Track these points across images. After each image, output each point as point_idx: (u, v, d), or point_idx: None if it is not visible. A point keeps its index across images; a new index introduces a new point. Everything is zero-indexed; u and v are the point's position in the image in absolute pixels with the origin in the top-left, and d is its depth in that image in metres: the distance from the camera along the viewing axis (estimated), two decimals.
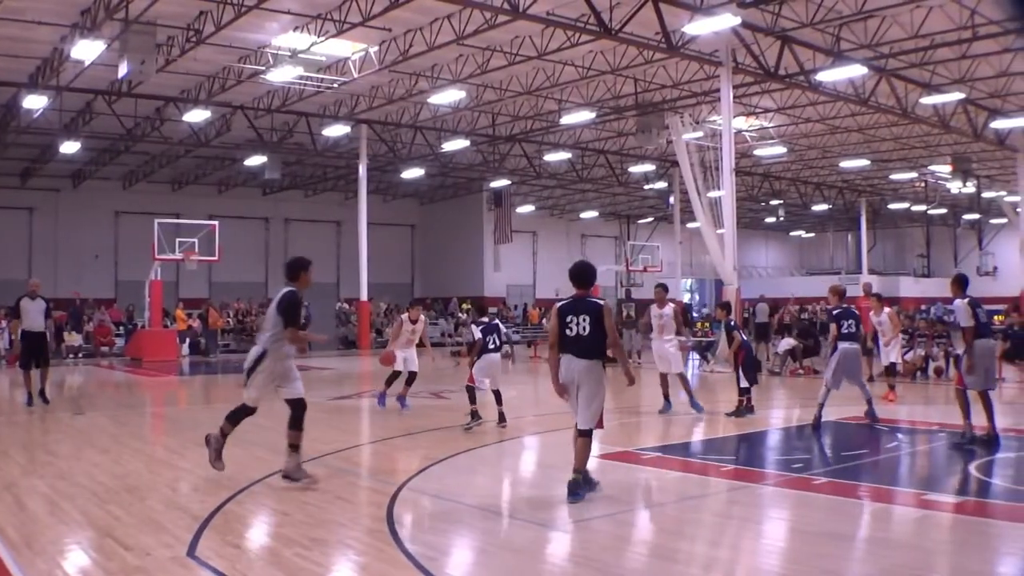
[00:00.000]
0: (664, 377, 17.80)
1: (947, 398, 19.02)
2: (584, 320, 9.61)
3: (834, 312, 15.32)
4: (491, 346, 15.58)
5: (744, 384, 16.77)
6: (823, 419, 14.61)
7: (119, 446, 13.64)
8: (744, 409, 16.50)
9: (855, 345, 15.12)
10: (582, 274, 10.07)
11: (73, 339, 37.13)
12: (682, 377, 17.85)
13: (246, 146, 40.12)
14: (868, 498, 10.00)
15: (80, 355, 36.73)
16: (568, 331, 9.66)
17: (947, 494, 10.11)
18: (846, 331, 14.86)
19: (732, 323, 18.46)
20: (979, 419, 12.70)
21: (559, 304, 9.85)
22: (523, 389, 25.28)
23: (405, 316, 18.64)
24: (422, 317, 18.85)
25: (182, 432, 15.33)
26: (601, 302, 9.89)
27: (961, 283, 13.24)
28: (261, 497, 9.88)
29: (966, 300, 12.71)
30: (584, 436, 9.74)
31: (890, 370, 19.27)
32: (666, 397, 17.53)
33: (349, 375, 30.22)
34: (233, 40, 27.61)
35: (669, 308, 18.16)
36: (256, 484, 10.40)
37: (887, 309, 19.95)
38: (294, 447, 10.45)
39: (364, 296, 41.76)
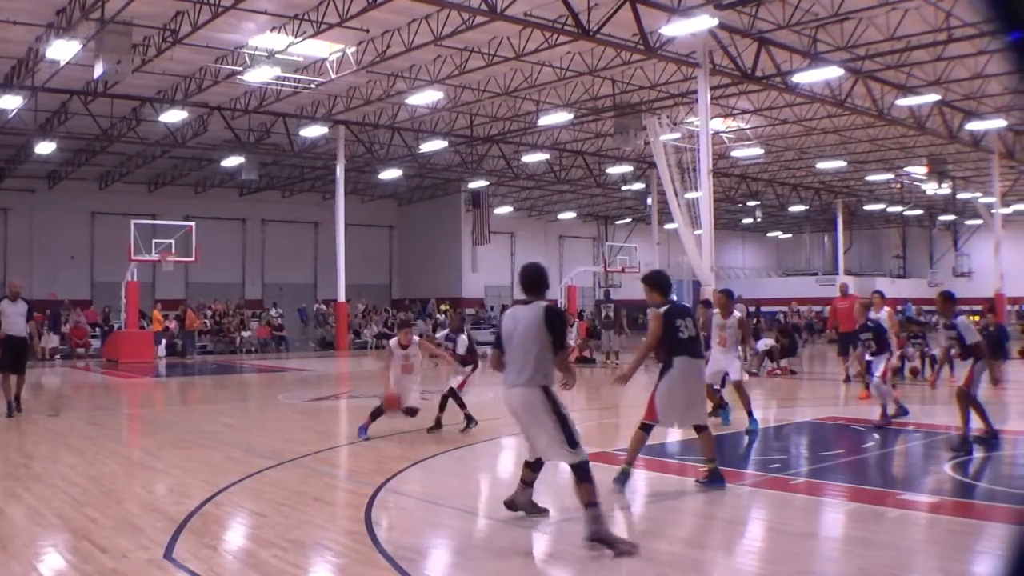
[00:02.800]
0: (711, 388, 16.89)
1: (923, 398, 19.15)
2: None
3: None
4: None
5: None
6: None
7: (95, 448, 13.56)
8: (721, 409, 16.38)
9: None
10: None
11: (51, 340, 36.93)
12: (739, 387, 15.48)
13: (223, 147, 40.05)
14: (845, 498, 10.03)
15: (57, 357, 36.55)
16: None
17: (924, 493, 10.15)
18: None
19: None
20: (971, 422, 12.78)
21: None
22: (501, 390, 25.23)
23: (394, 342, 15.21)
24: (414, 339, 15.41)
25: (158, 434, 15.27)
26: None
27: (953, 300, 13.29)
28: (238, 499, 9.84)
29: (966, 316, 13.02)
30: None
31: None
32: (722, 406, 15.77)
33: (327, 376, 30.14)
34: (210, 40, 27.56)
35: (735, 317, 15.76)
36: (233, 486, 10.35)
37: (886, 308, 19.95)
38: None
39: (342, 297, 41.65)
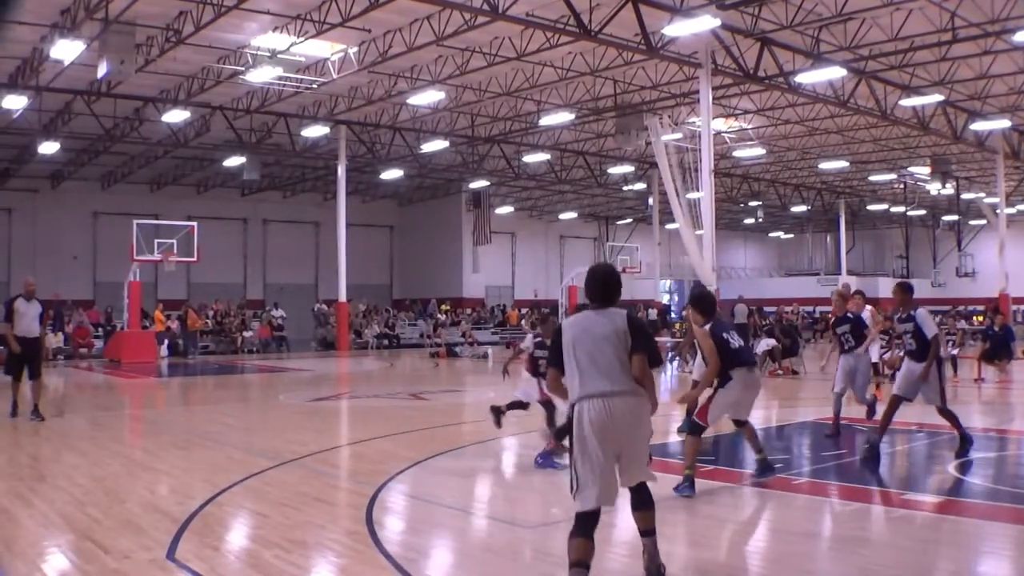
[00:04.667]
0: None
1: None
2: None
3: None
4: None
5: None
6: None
7: (98, 449, 13.59)
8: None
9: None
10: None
11: (57, 340, 36.93)
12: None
13: (225, 147, 40.05)
14: (847, 498, 10.04)
15: (59, 357, 36.58)
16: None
17: (925, 493, 10.15)
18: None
19: None
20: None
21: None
22: (501, 390, 25.27)
23: (531, 339, 13.53)
24: None
25: (160, 434, 15.28)
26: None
27: (912, 291, 12.46)
28: (240, 499, 9.85)
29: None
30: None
31: (874, 369, 19.19)
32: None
33: (327, 376, 30.15)
34: (212, 40, 27.56)
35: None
36: (235, 486, 10.36)
37: (869, 307, 19.82)
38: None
39: (343, 297, 41.65)
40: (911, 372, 11.82)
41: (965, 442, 11.76)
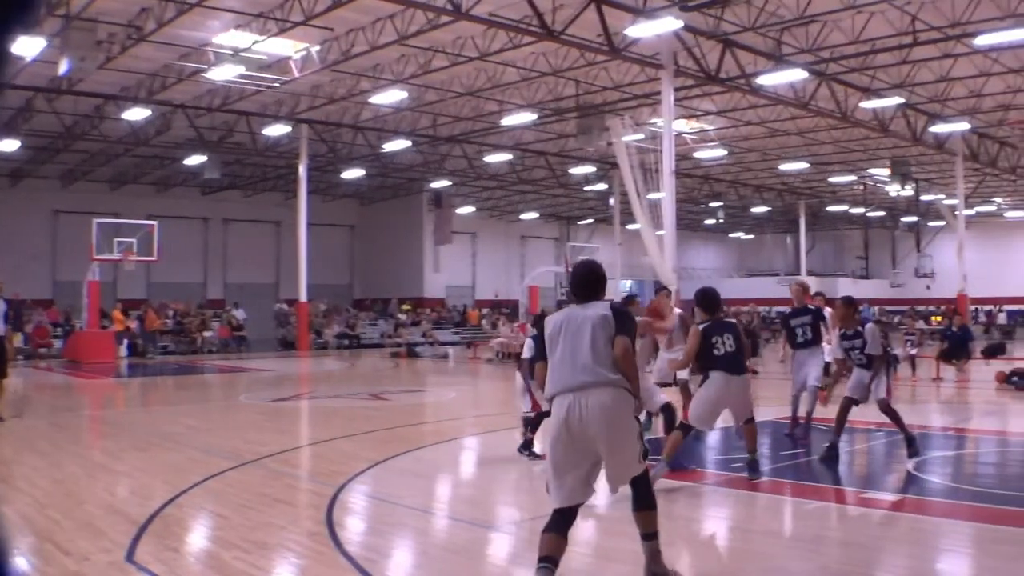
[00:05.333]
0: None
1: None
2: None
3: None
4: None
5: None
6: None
7: (58, 450, 13.48)
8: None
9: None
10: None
11: (16, 340, 36.57)
12: (686, 388, 14.23)
13: (186, 145, 39.80)
14: (808, 496, 10.11)
15: (19, 357, 36.26)
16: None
17: (884, 492, 10.23)
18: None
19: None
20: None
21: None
22: (462, 390, 25.30)
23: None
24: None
25: (120, 436, 15.20)
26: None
27: (857, 306, 12.49)
28: (200, 500, 9.81)
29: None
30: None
31: (825, 369, 19.21)
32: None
33: (288, 377, 30.06)
34: (174, 38, 27.38)
35: (676, 315, 14.50)
36: (195, 487, 10.31)
37: (828, 309, 19.87)
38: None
39: (303, 297, 41.51)
40: (863, 377, 11.87)
41: (912, 443, 11.78)
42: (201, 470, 11.29)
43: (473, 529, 8.72)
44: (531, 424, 12.27)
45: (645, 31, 24.88)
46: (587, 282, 7.03)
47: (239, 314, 45.11)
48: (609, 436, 6.39)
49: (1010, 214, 65.07)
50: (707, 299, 10.67)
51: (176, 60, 30.01)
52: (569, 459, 6.43)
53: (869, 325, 11.85)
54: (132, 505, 9.46)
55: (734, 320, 10.84)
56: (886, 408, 11.73)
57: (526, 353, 12.34)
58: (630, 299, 13.66)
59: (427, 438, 14.61)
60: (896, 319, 53.42)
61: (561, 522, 6.43)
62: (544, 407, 11.64)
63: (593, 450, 6.44)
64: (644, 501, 6.78)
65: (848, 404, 11.90)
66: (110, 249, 36.37)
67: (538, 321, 13.13)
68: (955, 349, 25.16)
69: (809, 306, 14.27)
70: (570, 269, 7.10)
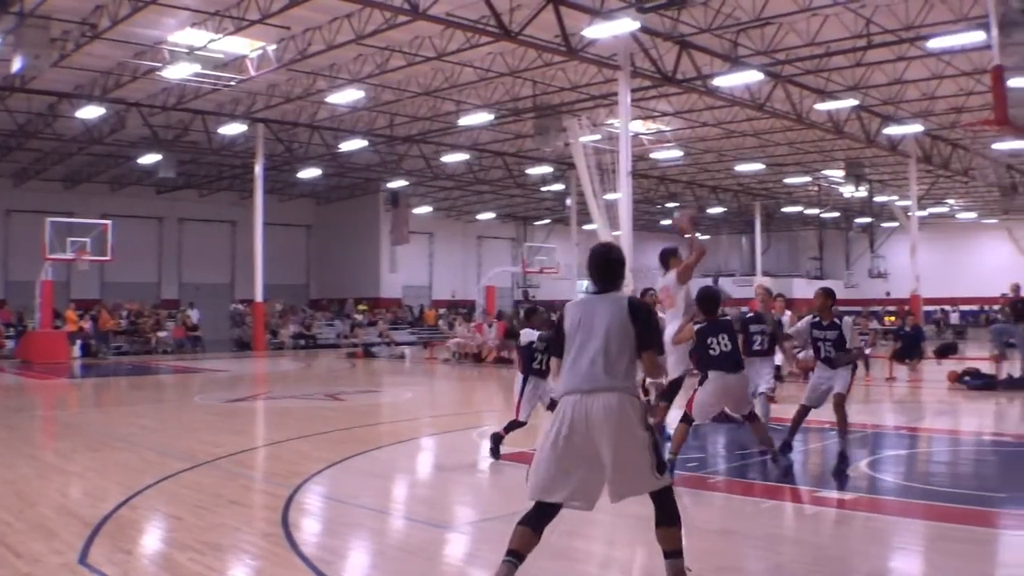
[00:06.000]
0: None
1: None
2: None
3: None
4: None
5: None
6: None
7: (9, 451, 13.32)
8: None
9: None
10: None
11: None
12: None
13: (141, 144, 39.47)
14: (763, 495, 10.15)
15: None
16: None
17: (838, 491, 10.28)
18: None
19: None
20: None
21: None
22: (419, 391, 25.25)
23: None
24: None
25: (73, 436, 15.05)
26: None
27: (834, 297, 11.99)
28: (154, 502, 9.73)
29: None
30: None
31: (776, 372, 19.21)
32: None
33: (243, 377, 29.90)
34: (129, 36, 27.14)
35: None
36: (149, 489, 10.23)
37: (788, 312, 19.84)
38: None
39: (259, 297, 41.33)
40: (821, 380, 11.67)
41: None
42: (155, 471, 11.20)
43: (429, 529, 8.70)
44: (509, 426, 12.09)
45: (602, 32, 24.96)
46: (603, 269, 6.73)
47: (194, 314, 44.80)
48: (613, 441, 6.16)
49: (962, 215, 65.71)
50: (707, 300, 10.79)
51: (131, 58, 29.77)
52: (566, 457, 6.24)
53: (846, 318, 11.65)
54: (85, 506, 9.38)
55: (730, 319, 10.92)
56: (841, 403, 11.53)
57: (524, 340, 12.14)
58: (646, 292, 13.73)
59: (383, 438, 14.56)
60: (851, 319, 53.72)
61: (537, 518, 6.30)
62: (523, 417, 11.91)
63: (594, 455, 6.21)
64: (666, 517, 6.44)
65: (804, 412, 11.81)
66: (63, 249, 36.04)
67: (533, 314, 12.76)
68: (908, 349, 25.40)
69: (764, 316, 14.00)
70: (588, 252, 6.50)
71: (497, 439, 12.12)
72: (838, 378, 11.36)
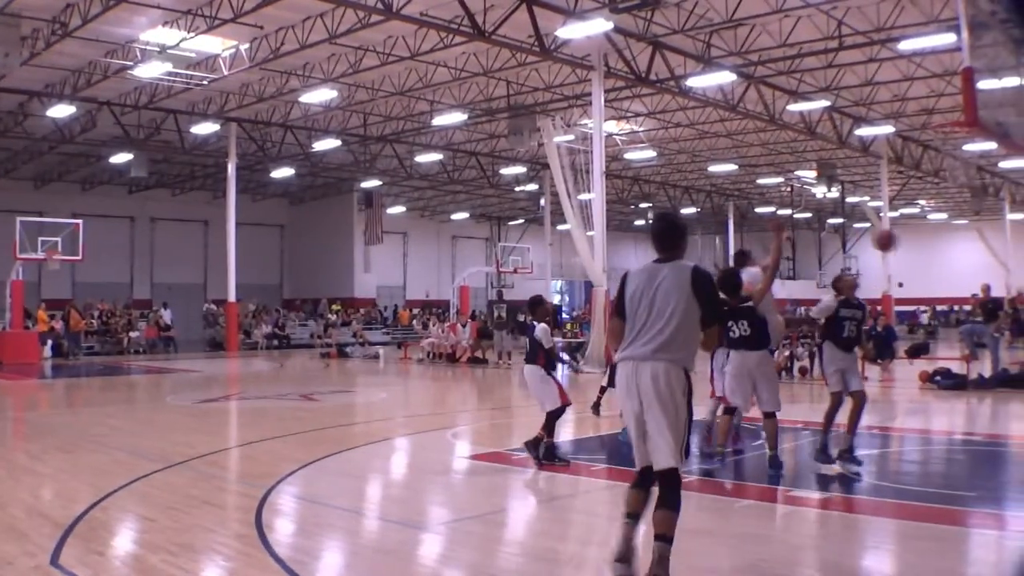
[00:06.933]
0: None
1: (811, 397, 19.50)
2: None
3: None
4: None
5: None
6: None
7: None
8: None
9: None
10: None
11: None
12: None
13: (112, 143, 39.30)
14: (736, 495, 10.18)
15: None
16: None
17: (812, 490, 10.31)
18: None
19: None
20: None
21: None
22: (393, 391, 25.22)
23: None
24: None
25: (44, 437, 14.94)
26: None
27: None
28: (126, 503, 9.67)
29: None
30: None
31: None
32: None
33: (216, 377, 29.78)
34: (100, 34, 27.00)
35: None
36: (121, 490, 10.17)
37: None
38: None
39: (232, 297, 41.17)
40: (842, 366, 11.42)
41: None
42: (127, 472, 11.14)
43: (403, 530, 8.68)
44: (550, 426, 11.52)
45: (576, 32, 25.00)
46: (666, 237, 6.80)
47: (166, 314, 44.58)
48: (653, 409, 6.42)
49: (933, 216, 66.19)
50: (728, 283, 10.69)
51: (102, 57, 29.61)
52: (633, 423, 6.57)
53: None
54: (56, 508, 9.32)
55: (751, 305, 10.87)
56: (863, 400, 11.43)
57: (548, 343, 11.80)
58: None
59: (357, 439, 14.53)
60: (822, 321, 53.97)
61: (641, 481, 6.61)
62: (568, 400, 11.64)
63: (642, 420, 6.51)
64: (667, 501, 6.47)
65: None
66: (34, 248, 35.83)
67: (539, 305, 12.40)
68: (880, 349, 25.50)
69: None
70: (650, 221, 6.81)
71: (553, 451, 11.57)
72: (856, 373, 11.43)
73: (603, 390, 15.96)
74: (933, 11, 24.65)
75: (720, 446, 11.34)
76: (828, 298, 11.76)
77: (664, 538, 6.37)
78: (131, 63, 29.00)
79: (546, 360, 11.75)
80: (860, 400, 11.24)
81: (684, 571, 7.22)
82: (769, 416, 10.95)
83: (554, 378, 11.80)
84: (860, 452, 11.82)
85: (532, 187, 51.96)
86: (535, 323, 11.92)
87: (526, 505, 10.13)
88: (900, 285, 47.54)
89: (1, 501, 9.65)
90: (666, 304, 6.47)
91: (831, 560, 7.75)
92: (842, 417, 11.27)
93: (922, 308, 61.89)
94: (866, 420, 13.04)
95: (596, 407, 16.05)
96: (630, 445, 6.82)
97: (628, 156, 45.16)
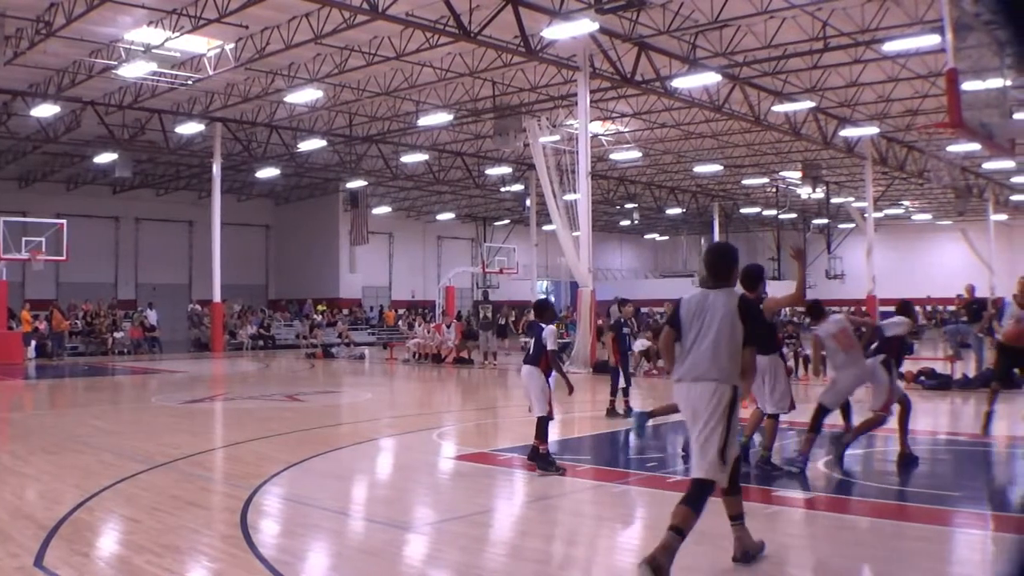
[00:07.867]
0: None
1: (799, 397, 19.50)
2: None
3: None
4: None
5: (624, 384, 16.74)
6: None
7: None
8: (628, 409, 16.26)
9: None
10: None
11: None
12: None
13: (96, 143, 39.18)
14: (719, 495, 10.20)
15: None
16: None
17: (795, 489, 10.33)
18: None
19: (623, 322, 17.54)
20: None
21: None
22: (378, 391, 25.20)
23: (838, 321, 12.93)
24: None
25: (28, 438, 14.91)
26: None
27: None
28: (110, 504, 9.64)
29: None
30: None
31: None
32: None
33: (201, 378, 29.71)
34: (85, 33, 26.92)
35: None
36: (106, 491, 10.15)
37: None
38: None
39: (217, 298, 41.08)
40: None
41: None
42: (112, 473, 11.12)
43: (389, 530, 8.67)
44: (543, 432, 11.30)
45: (561, 33, 24.99)
46: (718, 265, 7.39)
47: (151, 315, 44.46)
48: (698, 423, 7.01)
49: (917, 217, 66.39)
50: (748, 277, 10.29)
51: (86, 56, 29.52)
52: (692, 438, 7.17)
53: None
54: (41, 509, 9.29)
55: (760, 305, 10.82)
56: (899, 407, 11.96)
57: (551, 345, 11.63)
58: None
59: (343, 439, 14.51)
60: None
61: (690, 494, 7.08)
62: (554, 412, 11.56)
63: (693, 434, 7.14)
64: (691, 500, 7.03)
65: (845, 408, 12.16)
66: (18, 248, 35.79)
67: (546, 308, 12.37)
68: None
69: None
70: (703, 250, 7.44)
71: (548, 459, 11.32)
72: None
73: (618, 391, 16.25)
74: (917, 13, 24.73)
75: (766, 449, 11.34)
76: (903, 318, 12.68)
77: (677, 530, 6.85)
78: (116, 63, 28.90)
79: (547, 363, 11.64)
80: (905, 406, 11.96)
81: (672, 570, 7.25)
82: (772, 417, 11.17)
83: (549, 385, 11.66)
84: (847, 452, 11.90)
85: (518, 187, 51.96)
86: (543, 324, 11.85)
87: (512, 505, 10.13)
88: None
89: None
90: (712, 325, 7.06)
91: (812, 558, 7.86)
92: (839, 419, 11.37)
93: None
94: (853, 420, 13.11)
95: (613, 410, 16.30)
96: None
97: (614, 156, 45.17)
